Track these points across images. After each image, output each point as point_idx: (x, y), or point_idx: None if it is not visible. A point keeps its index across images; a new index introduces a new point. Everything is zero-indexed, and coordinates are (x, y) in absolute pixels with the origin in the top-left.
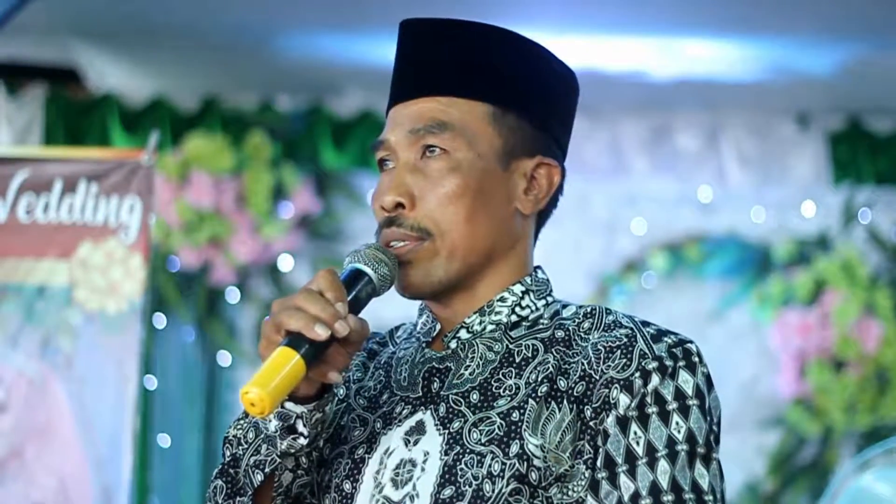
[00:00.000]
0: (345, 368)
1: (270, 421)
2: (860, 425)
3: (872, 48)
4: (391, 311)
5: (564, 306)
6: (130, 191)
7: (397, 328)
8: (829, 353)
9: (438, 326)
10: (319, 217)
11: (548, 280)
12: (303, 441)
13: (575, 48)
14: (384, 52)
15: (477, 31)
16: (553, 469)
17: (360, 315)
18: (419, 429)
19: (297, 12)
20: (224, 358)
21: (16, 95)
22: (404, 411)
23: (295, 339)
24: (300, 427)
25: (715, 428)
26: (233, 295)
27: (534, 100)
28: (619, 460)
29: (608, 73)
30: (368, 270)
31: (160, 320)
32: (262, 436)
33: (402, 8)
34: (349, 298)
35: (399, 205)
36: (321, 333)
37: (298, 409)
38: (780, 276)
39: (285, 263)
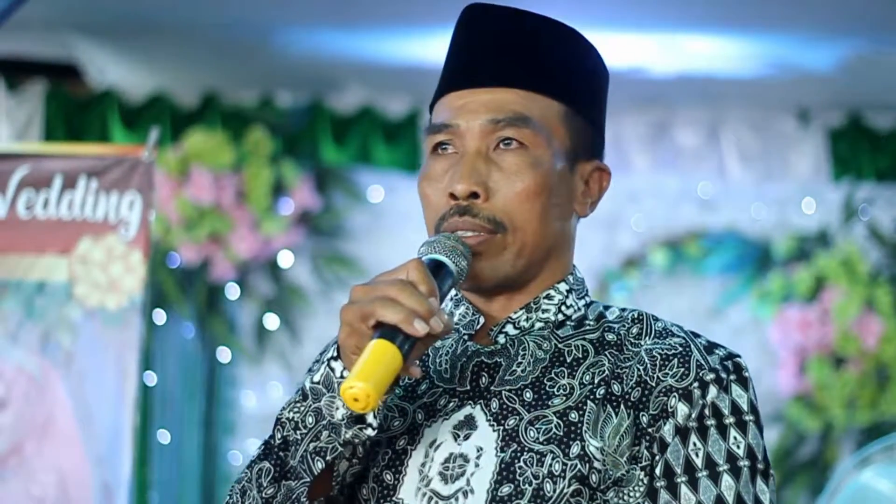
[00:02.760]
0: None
1: (338, 409)
2: (860, 422)
3: (873, 44)
4: None
5: (606, 308)
6: (130, 187)
7: None
8: (829, 350)
9: (482, 319)
10: (319, 213)
11: (583, 280)
12: (370, 432)
13: None
14: (384, 48)
15: (553, 27)
16: (611, 472)
17: None
18: (469, 423)
19: (298, 8)
20: (224, 354)
21: (16, 91)
22: (450, 404)
23: (390, 332)
24: (370, 418)
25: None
26: (233, 291)
27: (595, 102)
28: (679, 470)
29: (608, 69)
30: (449, 263)
31: (160, 316)
32: (325, 422)
33: (401, 4)
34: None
35: (473, 194)
36: (420, 330)
37: None
38: (781, 272)
39: (285, 260)
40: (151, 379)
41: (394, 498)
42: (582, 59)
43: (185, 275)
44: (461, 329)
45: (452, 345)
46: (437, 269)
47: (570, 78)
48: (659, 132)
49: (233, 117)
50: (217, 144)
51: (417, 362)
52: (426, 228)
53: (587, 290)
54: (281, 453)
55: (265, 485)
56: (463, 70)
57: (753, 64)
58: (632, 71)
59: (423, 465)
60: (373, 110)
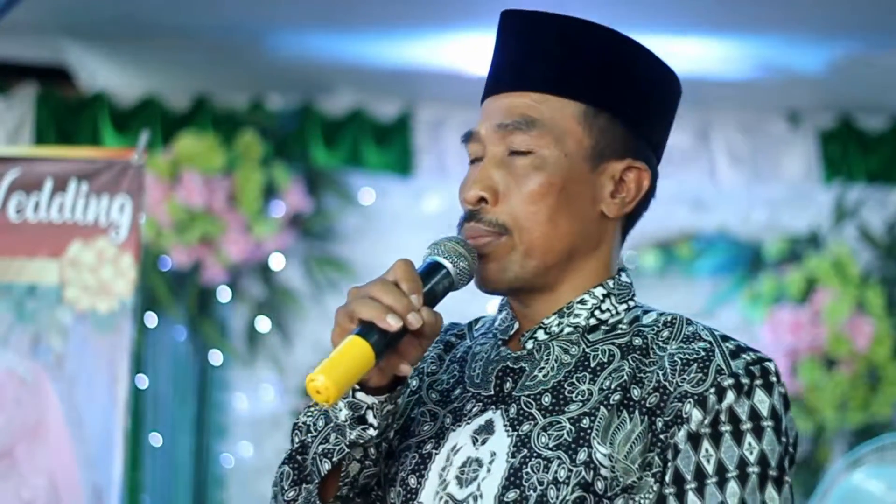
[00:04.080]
0: (417, 361)
1: (341, 410)
2: (851, 423)
3: (863, 46)
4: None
5: (646, 312)
6: (121, 190)
7: (477, 321)
8: (820, 351)
9: (516, 325)
10: (311, 216)
11: (631, 283)
12: (372, 432)
13: None
14: (375, 51)
15: (576, 27)
16: (620, 479)
17: (437, 308)
18: (488, 428)
19: (289, 11)
20: (215, 357)
21: (7, 95)
22: (474, 409)
23: (366, 329)
24: (370, 418)
25: (790, 449)
26: (224, 294)
27: (628, 101)
28: (689, 477)
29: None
30: (447, 264)
31: (151, 319)
32: (332, 425)
33: (392, 7)
34: (425, 291)
35: (482, 199)
36: (393, 324)
37: (370, 399)
38: (772, 274)
39: (276, 262)
40: (143, 382)
41: (415, 501)
42: (610, 58)
43: (177, 278)
44: (498, 334)
45: (489, 350)
46: (432, 269)
47: (588, 77)
48: None
49: (224, 120)
50: (208, 147)
51: (447, 365)
52: None
53: (632, 295)
54: (299, 457)
55: (286, 488)
56: (490, 77)
57: (743, 66)
58: None
59: (444, 469)
60: (364, 113)
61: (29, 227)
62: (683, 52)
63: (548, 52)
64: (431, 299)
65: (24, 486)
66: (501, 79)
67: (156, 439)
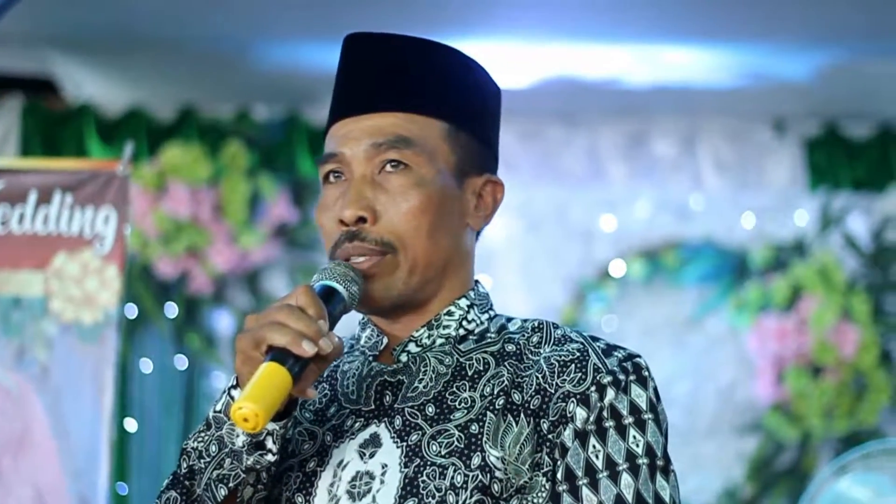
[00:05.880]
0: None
1: (238, 436)
2: (838, 430)
3: (849, 54)
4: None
5: (509, 320)
6: (106, 201)
7: None
8: (806, 359)
9: (385, 340)
10: (297, 226)
11: (488, 294)
12: (271, 458)
13: (552, 55)
14: None
15: (428, 47)
16: (513, 481)
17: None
18: (374, 441)
19: (274, 22)
20: (202, 367)
21: None
22: (356, 424)
23: (280, 355)
24: (269, 444)
25: (666, 439)
26: (210, 304)
27: (482, 118)
28: (580, 473)
29: (585, 80)
30: (340, 288)
31: (138, 330)
32: (227, 450)
33: (378, 17)
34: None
35: (360, 219)
36: (308, 350)
37: (270, 425)
38: (758, 281)
39: (263, 273)
40: (129, 393)
41: None
42: (462, 77)
43: (163, 288)
44: (367, 351)
45: (359, 367)
46: (328, 294)
47: (449, 96)
48: (635, 142)
49: (210, 131)
50: (194, 158)
51: (314, 385)
52: (327, 256)
53: (491, 305)
54: (187, 482)
55: None
56: (345, 99)
57: (729, 74)
58: (608, 81)
59: (332, 484)
60: None
61: (13, 238)
62: (670, 61)
63: (407, 72)
64: (331, 324)
65: (10, 498)
66: (360, 100)
67: (143, 450)
